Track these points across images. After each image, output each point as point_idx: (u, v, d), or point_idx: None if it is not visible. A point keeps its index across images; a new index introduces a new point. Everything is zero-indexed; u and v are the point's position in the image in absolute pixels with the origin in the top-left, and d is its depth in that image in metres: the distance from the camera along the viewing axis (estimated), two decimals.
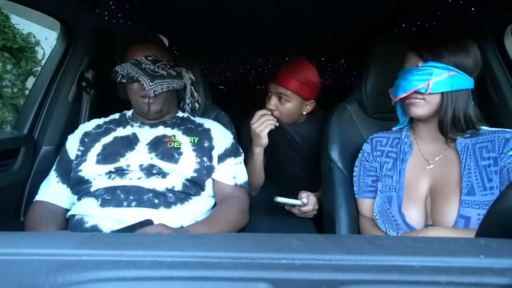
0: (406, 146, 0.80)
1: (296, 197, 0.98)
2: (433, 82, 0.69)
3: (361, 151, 0.89)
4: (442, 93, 0.70)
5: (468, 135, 0.72)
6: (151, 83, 0.88)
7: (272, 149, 1.26)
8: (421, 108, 0.73)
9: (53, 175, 0.92)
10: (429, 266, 0.23)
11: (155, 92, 0.89)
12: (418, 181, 0.76)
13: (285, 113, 1.10)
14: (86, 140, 0.93)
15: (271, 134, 1.22)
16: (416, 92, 0.71)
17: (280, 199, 0.95)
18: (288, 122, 1.13)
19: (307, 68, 1.09)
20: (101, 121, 1.00)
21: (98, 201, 0.80)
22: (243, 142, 1.28)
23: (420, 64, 0.71)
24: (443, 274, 0.22)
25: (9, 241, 0.27)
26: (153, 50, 0.94)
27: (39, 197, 0.90)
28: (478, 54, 0.71)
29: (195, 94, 1.06)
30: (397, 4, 1.07)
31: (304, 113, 1.13)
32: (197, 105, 1.08)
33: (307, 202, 0.97)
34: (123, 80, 0.91)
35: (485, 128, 0.73)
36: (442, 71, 0.69)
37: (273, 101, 1.09)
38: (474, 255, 0.23)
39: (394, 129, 0.85)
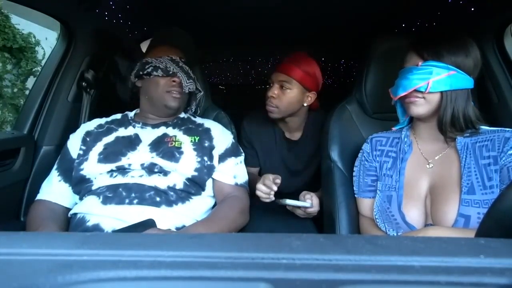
0: (405, 145, 0.80)
1: (294, 198, 0.98)
2: (433, 81, 0.69)
3: (361, 151, 0.89)
4: (441, 92, 0.70)
5: (468, 134, 0.73)
6: (187, 81, 0.95)
7: (266, 160, 1.28)
8: (421, 107, 0.73)
9: (54, 174, 0.92)
10: (429, 266, 0.22)
11: (189, 90, 0.96)
12: (418, 180, 0.76)
13: (285, 102, 1.10)
14: (88, 139, 0.93)
15: (264, 143, 1.27)
16: (416, 91, 0.72)
17: (288, 201, 0.93)
18: (286, 112, 1.13)
19: (310, 60, 1.12)
20: (102, 121, 1.01)
21: (99, 198, 0.80)
22: (244, 140, 1.28)
23: (420, 63, 0.72)
24: (443, 274, 0.22)
25: (9, 241, 0.27)
26: (183, 54, 1.02)
27: (40, 196, 0.90)
28: (478, 54, 0.71)
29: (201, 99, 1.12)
30: (397, 4, 1.07)
31: (305, 104, 1.14)
32: (199, 110, 1.13)
33: (310, 198, 0.98)
34: (154, 73, 0.94)
35: (484, 127, 0.73)
36: (442, 70, 0.69)
37: (275, 90, 1.10)
38: (474, 255, 0.23)
39: (394, 128, 0.86)
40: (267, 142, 1.27)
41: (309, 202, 0.96)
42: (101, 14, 1.08)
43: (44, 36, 4.35)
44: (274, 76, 1.12)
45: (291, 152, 1.26)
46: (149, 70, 0.94)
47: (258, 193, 0.96)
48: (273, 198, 0.96)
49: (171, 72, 0.94)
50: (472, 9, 0.95)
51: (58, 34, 1.12)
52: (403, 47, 0.78)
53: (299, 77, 1.08)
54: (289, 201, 0.94)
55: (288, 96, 1.10)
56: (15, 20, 3.95)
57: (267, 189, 0.94)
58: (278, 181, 0.98)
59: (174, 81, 0.94)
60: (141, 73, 0.96)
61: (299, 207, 0.98)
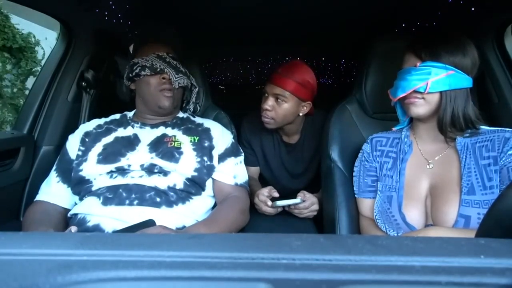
0: (406, 146, 0.80)
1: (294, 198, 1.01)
2: (431, 81, 0.69)
3: (361, 151, 0.89)
4: (440, 92, 0.70)
5: (468, 135, 0.73)
6: (176, 76, 0.93)
7: (265, 164, 1.28)
8: (421, 108, 0.73)
9: (53, 175, 0.92)
10: (429, 266, 0.22)
11: (179, 85, 0.94)
12: (418, 180, 0.76)
13: (281, 114, 1.09)
14: (87, 140, 0.93)
15: (264, 146, 1.27)
16: (415, 91, 0.72)
17: (279, 203, 0.97)
18: (282, 123, 1.13)
19: (304, 70, 1.09)
20: (101, 121, 1.01)
21: (100, 199, 0.80)
22: (243, 140, 1.28)
23: (418, 64, 0.72)
24: (443, 274, 0.22)
25: (9, 241, 0.27)
26: (170, 49, 0.99)
27: (39, 197, 0.90)
28: (476, 53, 0.71)
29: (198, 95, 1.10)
30: (397, 4, 1.07)
31: (301, 114, 1.13)
32: (198, 107, 1.10)
33: (303, 197, 1.01)
34: (143, 72, 0.92)
35: (484, 127, 0.73)
36: (440, 70, 0.69)
37: (270, 102, 1.09)
38: (474, 255, 0.23)
39: (394, 129, 0.86)
40: (267, 144, 1.27)
41: (299, 198, 1.00)
42: (101, 14, 1.08)
43: (44, 36, 4.35)
44: (268, 88, 1.10)
45: (290, 155, 1.26)
46: (137, 71, 0.93)
47: (256, 207, 1.03)
48: (270, 204, 1.00)
49: (158, 69, 0.92)
50: (472, 9, 0.95)
51: (58, 34, 1.12)
52: (403, 47, 0.78)
53: (293, 89, 1.06)
54: (280, 202, 0.97)
55: (283, 108, 1.08)
56: (15, 20, 3.95)
57: (262, 202, 1.01)
58: (275, 194, 1.03)
59: (164, 78, 0.93)
60: (130, 75, 0.95)
61: (289, 205, 1.00)
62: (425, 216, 0.73)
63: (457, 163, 0.72)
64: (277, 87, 1.07)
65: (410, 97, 0.73)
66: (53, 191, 0.90)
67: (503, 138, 0.68)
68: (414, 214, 0.73)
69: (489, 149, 0.69)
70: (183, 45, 1.07)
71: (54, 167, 0.94)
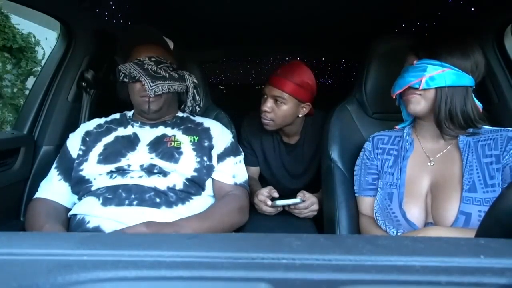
0: (407, 143, 0.81)
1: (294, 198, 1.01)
2: (426, 77, 0.70)
3: (362, 149, 0.90)
4: (436, 89, 0.71)
5: (470, 134, 0.73)
6: (152, 84, 0.89)
7: (265, 164, 1.29)
8: (418, 105, 0.74)
9: (54, 173, 0.92)
10: (429, 266, 0.23)
11: (155, 93, 0.90)
12: (419, 177, 0.76)
13: (281, 116, 1.09)
14: (88, 139, 0.93)
15: (264, 147, 1.27)
16: (412, 88, 0.73)
17: (279, 202, 0.97)
18: (282, 124, 1.13)
19: (303, 71, 1.08)
20: (102, 120, 1.01)
21: (99, 200, 0.80)
22: (243, 140, 1.28)
23: (415, 62, 0.74)
24: (443, 274, 0.22)
25: (9, 241, 0.27)
26: (156, 51, 0.95)
27: (40, 194, 0.89)
28: (479, 57, 0.72)
29: (197, 97, 1.06)
30: (397, 4, 1.07)
31: (300, 115, 1.13)
32: (197, 108, 1.08)
33: (303, 197, 1.01)
34: (125, 80, 0.91)
35: (487, 127, 0.73)
36: (436, 67, 0.70)
37: (269, 104, 1.08)
38: (474, 255, 0.23)
39: (397, 127, 0.86)
40: (267, 145, 1.27)
41: (298, 198, 1.00)
42: (101, 14, 1.08)
43: (44, 36, 4.35)
44: (267, 90, 1.09)
45: (290, 155, 1.26)
46: (121, 78, 0.92)
47: (256, 207, 1.03)
48: (270, 204, 1.00)
49: (136, 78, 0.89)
50: (472, 9, 0.95)
51: (58, 34, 1.12)
52: (403, 47, 0.79)
53: (292, 91, 1.05)
54: (279, 202, 0.98)
55: (282, 110, 1.08)
56: (15, 20, 3.95)
57: (262, 202, 1.01)
58: (275, 194, 1.03)
59: (143, 84, 0.89)
60: (119, 80, 0.94)
61: (289, 205, 1.01)
62: (425, 213, 0.73)
63: (459, 161, 0.72)
64: (276, 89, 1.06)
65: (407, 94, 0.75)
66: (55, 189, 0.89)
67: (506, 137, 0.69)
68: (415, 211, 0.74)
69: (492, 148, 0.69)
70: (177, 44, 1.05)
71: (55, 165, 0.93)
